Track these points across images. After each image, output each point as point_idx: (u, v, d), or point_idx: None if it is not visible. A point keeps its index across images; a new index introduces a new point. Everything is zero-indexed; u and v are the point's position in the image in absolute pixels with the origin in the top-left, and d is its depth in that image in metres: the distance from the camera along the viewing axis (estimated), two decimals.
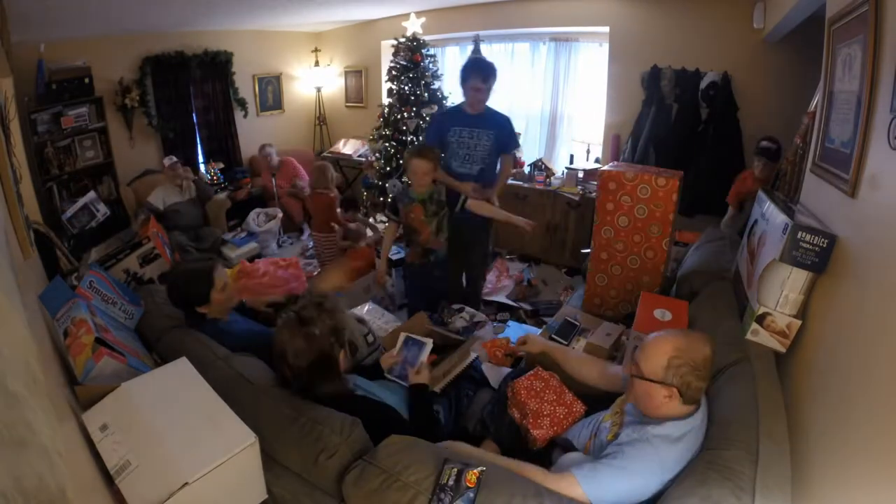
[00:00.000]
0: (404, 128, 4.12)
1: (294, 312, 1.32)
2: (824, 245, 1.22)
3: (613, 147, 3.94)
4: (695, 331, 1.19)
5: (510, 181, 3.75)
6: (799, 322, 1.33)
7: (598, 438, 1.33)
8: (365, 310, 2.57)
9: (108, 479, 0.95)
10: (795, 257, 1.25)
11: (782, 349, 1.37)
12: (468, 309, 2.50)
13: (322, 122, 6.02)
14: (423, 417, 1.49)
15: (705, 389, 1.18)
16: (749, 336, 1.41)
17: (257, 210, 4.46)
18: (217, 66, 5.03)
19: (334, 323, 1.34)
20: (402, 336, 1.74)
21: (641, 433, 1.15)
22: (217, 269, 1.75)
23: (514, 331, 2.55)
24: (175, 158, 4.18)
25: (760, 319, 1.38)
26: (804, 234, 1.23)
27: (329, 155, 5.61)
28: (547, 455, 1.42)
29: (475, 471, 1.02)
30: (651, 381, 1.14)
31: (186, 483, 0.90)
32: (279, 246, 4.56)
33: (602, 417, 1.39)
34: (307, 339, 1.29)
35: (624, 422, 1.27)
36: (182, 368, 1.20)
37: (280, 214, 4.47)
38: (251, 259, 3.78)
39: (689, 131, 3.40)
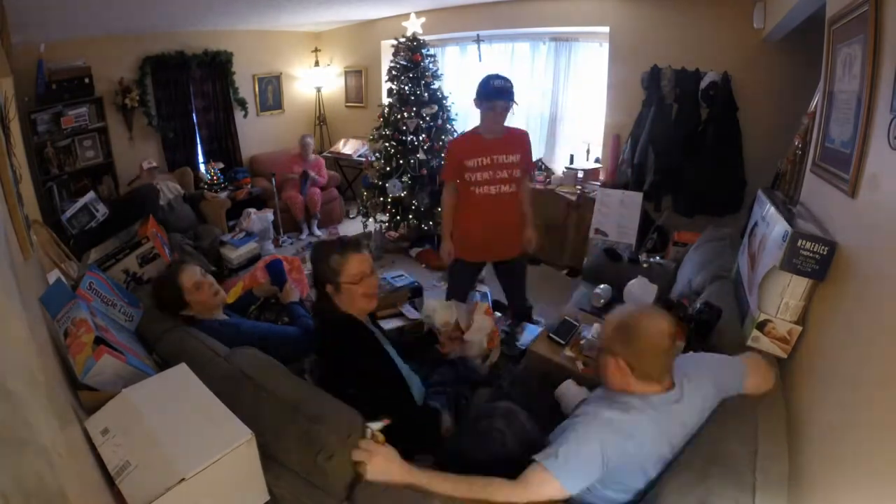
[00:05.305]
0: (404, 128, 4.10)
1: None
2: (824, 252, 1.20)
3: (613, 147, 3.94)
4: (651, 310, 1.24)
5: None
6: (799, 328, 1.32)
7: None
8: None
9: (110, 481, 0.95)
10: (795, 265, 1.24)
11: (784, 355, 1.36)
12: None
13: (322, 122, 6.02)
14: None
15: (667, 369, 1.18)
16: (750, 343, 1.40)
17: (247, 210, 4.47)
18: (217, 66, 5.03)
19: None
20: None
21: (594, 404, 1.21)
22: (183, 272, 1.73)
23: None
24: (154, 163, 4.25)
25: (761, 326, 1.37)
26: (804, 241, 1.22)
27: (329, 155, 5.62)
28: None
29: None
30: (601, 349, 1.24)
31: (183, 479, 0.91)
32: (278, 246, 4.55)
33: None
34: None
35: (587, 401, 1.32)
36: (182, 373, 1.22)
37: (270, 215, 4.47)
38: (251, 259, 3.78)
39: (689, 131, 3.39)
